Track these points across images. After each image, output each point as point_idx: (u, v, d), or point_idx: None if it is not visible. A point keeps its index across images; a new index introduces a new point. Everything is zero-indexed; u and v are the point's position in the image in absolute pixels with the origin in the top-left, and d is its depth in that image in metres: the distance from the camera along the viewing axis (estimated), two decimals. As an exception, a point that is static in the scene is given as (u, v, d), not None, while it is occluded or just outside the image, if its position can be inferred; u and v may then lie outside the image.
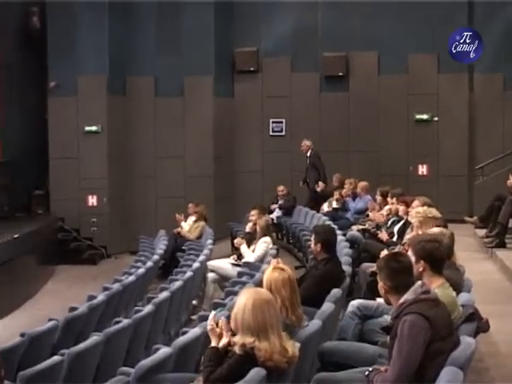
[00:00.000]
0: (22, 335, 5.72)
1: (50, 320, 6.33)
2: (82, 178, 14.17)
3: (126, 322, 6.01)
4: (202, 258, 9.13)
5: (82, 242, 14.02)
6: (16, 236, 10.60)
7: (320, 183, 13.03)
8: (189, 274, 8.16)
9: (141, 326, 6.19)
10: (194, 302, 9.37)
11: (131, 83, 14.50)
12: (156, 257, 9.80)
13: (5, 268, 9.93)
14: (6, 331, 8.88)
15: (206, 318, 5.81)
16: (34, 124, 14.54)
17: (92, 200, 14.18)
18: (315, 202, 12.94)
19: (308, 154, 13.34)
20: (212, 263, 9.49)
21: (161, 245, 10.82)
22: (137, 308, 7.34)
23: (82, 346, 5.23)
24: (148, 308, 6.48)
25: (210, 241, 10.50)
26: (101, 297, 7.23)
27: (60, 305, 9.44)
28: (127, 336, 5.93)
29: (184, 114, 14.46)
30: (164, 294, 7.04)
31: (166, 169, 14.41)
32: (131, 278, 8.26)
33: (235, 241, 10.93)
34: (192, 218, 12.09)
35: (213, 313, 4.92)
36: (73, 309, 6.88)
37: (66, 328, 6.27)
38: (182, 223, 11.99)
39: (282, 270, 4.80)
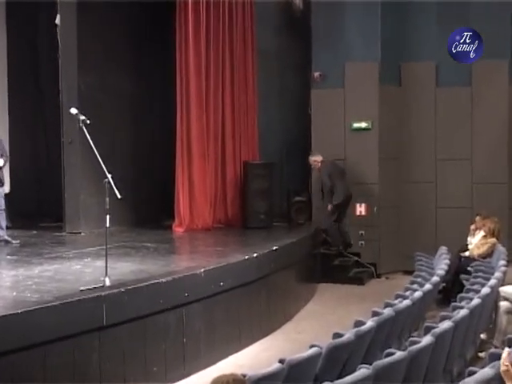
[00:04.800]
0: (281, 361, 5.90)
1: (312, 346, 6.45)
2: (349, 183, 14.42)
3: (399, 354, 5.97)
4: (492, 282, 8.84)
5: (348, 258, 14.28)
6: (275, 248, 10.99)
7: (329, 205, 13.90)
8: (476, 300, 7.93)
9: (417, 361, 6.12)
10: (483, 335, 9.12)
11: (407, 71, 14.51)
12: (436, 278, 9.65)
13: (263, 284, 10.34)
14: (264, 354, 9.27)
15: (498, 357, 5.61)
16: (295, 120, 15.08)
17: (360, 209, 14.37)
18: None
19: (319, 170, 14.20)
20: (505, 289, 9.19)
21: (441, 264, 10.64)
22: (412, 339, 7.27)
23: (348, 379, 5.27)
24: (426, 339, 6.39)
25: (502, 262, 10.15)
26: (370, 323, 7.25)
27: (322, 329, 9.69)
28: (401, 371, 5.89)
29: (472, 106, 14.16)
30: (446, 324, 6.90)
31: (449, 173, 14.21)
32: (406, 303, 8.20)
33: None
34: (480, 233, 11.80)
35: (506, 350, 4.73)
36: (337, 335, 6.96)
37: (329, 356, 6.37)
38: (469, 239, 11.78)
39: None
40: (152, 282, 8.27)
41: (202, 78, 13.30)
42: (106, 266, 7.97)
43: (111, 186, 8.00)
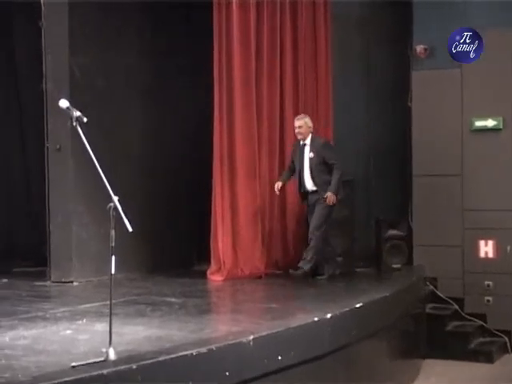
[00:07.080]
0: None
1: None
2: (468, 210, 14.36)
3: None
4: None
5: (467, 322, 14.22)
6: (358, 306, 10.95)
7: (329, 194, 13.03)
8: None
9: None
10: None
11: None
12: None
13: (340, 359, 10.25)
14: None
15: None
16: (387, 116, 15.14)
17: (485, 249, 14.27)
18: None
19: (307, 142, 13.33)
20: None
21: None
22: None
23: None
24: None
25: None
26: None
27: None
28: None
29: None
30: None
31: None
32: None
33: None
34: None
35: None
36: None
37: None
38: None
39: None
40: (177, 354, 8.28)
41: (250, 58, 13.33)
42: (110, 332, 7.99)
43: (118, 213, 8.02)
